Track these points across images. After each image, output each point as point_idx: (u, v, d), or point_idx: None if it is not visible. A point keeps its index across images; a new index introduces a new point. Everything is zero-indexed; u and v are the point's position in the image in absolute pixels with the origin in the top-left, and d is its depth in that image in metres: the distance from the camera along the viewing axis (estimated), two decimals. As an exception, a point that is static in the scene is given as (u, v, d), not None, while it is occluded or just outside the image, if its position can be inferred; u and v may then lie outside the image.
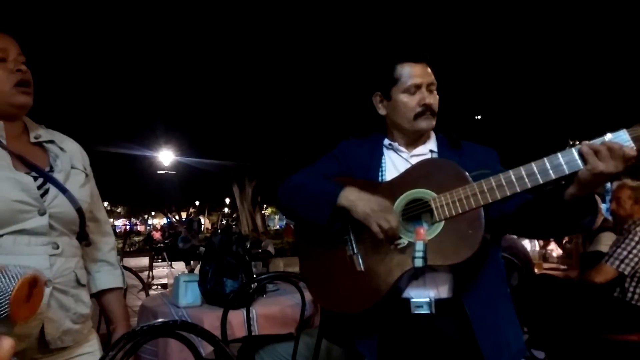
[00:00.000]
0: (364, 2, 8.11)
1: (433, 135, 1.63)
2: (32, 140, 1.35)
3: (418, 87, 1.52)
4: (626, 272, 2.92)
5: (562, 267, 4.41)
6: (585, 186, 1.23)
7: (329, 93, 10.27)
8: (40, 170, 1.29)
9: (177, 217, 29.23)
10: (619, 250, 2.96)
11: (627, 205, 3.11)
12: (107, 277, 1.50)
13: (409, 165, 1.52)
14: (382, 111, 1.62)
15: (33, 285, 1.05)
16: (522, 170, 1.28)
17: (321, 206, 1.41)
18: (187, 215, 27.68)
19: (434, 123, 1.54)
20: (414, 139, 1.59)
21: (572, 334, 3.08)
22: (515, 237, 3.50)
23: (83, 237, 1.39)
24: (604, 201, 4.41)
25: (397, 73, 1.54)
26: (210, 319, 2.24)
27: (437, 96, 1.56)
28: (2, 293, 1.00)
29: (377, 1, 8.11)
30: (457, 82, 9.02)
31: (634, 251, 2.92)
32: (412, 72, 1.52)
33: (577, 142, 1.23)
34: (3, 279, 1.01)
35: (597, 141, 1.21)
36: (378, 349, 1.46)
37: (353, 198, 1.38)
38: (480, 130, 12.37)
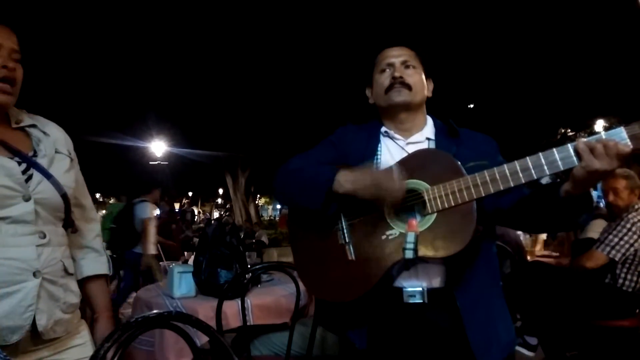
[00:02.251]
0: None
1: (430, 122, 1.63)
2: (14, 125, 1.33)
3: (390, 65, 1.57)
4: (617, 259, 2.95)
5: (554, 254, 4.45)
6: (580, 183, 1.23)
7: (321, 83, 10.23)
8: (24, 155, 1.27)
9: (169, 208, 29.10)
10: (610, 237, 2.99)
11: (625, 195, 3.10)
12: (93, 263, 1.49)
13: (404, 153, 1.52)
14: (371, 100, 1.65)
15: None
16: (517, 164, 1.27)
17: (316, 190, 1.40)
18: (181, 206, 27.59)
19: (407, 96, 1.54)
20: (402, 121, 1.58)
21: (564, 320, 3.11)
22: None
23: (69, 224, 1.38)
24: (594, 189, 4.44)
25: (376, 59, 1.62)
26: (204, 310, 2.25)
27: (418, 74, 1.57)
28: None
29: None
30: (449, 71, 9.01)
31: (625, 237, 2.95)
32: (386, 54, 1.59)
33: (569, 131, 1.23)
34: None
35: (593, 138, 1.20)
36: (368, 336, 1.47)
37: (348, 182, 1.37)
38: (473, 119, 12.38)
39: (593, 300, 3.01)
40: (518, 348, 3.58)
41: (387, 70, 1.57)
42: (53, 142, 1.36)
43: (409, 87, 1.53)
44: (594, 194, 4.10)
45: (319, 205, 1.39)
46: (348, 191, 1.37)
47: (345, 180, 1.37)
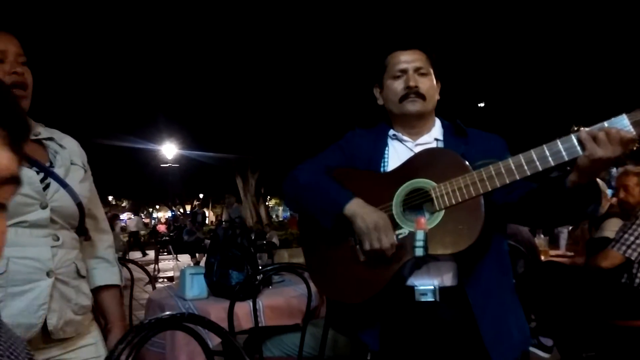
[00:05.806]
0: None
1: (438, 123, 1.62)
2: (32, 137, 1.35)
3: (404, 71, 1.54)
4: (633, 258, 2.90)
5: (568, 254, 4.39)
6: (585, 172, 1.22)
7: (331, 85, 10.23)
8: (41, 165, 1.30)
9: (181, 210, 29.32)
10: (625, 235, 2.94)
11: (636, 192, 3.06)
12: (104, 273, 1.50)
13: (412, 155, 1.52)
14: (379, 101, 1.65)
15: None
16: (522, 157, 1.28)
17: (327, 213, 1.44)
18: (192, 208, 27.75)
19: (421, 106, 1.53)
20: (413, 126, 1.58)
21: (580, 320, 3.07)
22: (519, 224, 3.48)
23: (82, 232, 1.40)
24: (609, 187, 4.38)
25: (386, 61, 1.59)
26: (216, 311, 2.25)
27: (430, 81, 1.56)
28: None
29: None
30: (460, 70, 8.96)
31: (641, 236, 2.90)
32: (399, 59, 1.56)
33: (581, 129, 1.22)
34: None
35: (596, 127, 1.20)
36: (381, 337, 1.46)
37: (356, 211, 1.39)
38: (483, 118, 12.30)
39: (609, 300, 2.96)
40: (533, 349, 3.53)
41: (401, 77, 1.54)
42: (69, 154, 1.40)
43: (423, 97, 1.53)
44: (609, 192, 4.05)
45: (329, 226, 1.43)
46: (348, 218, 1.40)
47: (353, 210, 1.39)
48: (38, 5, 7.08)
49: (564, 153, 1.23)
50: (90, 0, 7.58)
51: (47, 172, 1.30)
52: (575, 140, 1.21)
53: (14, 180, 0.45)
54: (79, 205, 1.34)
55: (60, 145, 1.40)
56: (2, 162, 0.43)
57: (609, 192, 4.04)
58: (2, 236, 0.43)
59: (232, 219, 10.54)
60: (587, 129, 1.20)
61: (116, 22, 8.25)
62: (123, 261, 2.85)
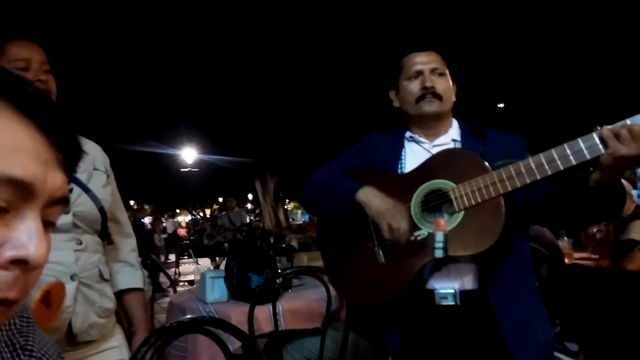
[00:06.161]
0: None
1: (455, 124, 1.61)
2: None
3: (420, 72, 1.54)
4: (660, 260, 2.83)
5: (593, 256, 4.30)
6: (608, 171, 1.20)
7: (349, 88, 10.23)
8: None
9: (201, 214, 29.56)
10: (652, 237, 2.88)
11: None
12: (128, 277, 1.51)
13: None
14: (395, 103, 1.64)
15: (52, 293, 1.10)
16: (542, 157, 1.25)
17: (341, 202, 1.44)
18: (211, 212, 27.95)
19: (438, 106, 1.52)
20: (430, 127, 1.57)
21: (607, 325, 3.01)
22: (542, 226, 3.43)
23: (105, 236, 1.42)
24: (634, 187, 4.28)
25: (402, 63, 1.59)
26: (237, 315, 2.26)
27: (446, 81, 1.55)
28: (27, 300, 1.03)
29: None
30: (479, 70, 8.87)
31: (668, 238, 2.83)
32: (414, 60, 1.56)
33: (604, 127, 1.20)
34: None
35: (619, 124, 1.18)
36: (402, 341, 1.45)
37: (369, 196, 1.39)
38: (503, 119, 12.15)
39: (636, 304, 2.89)
40: (558, 355, 3.47)
41: (417, 78, 1.54)
42: (92, 159, 1.42)
43: (440, 98, 1.52)
44: (634, 192, 3.96)
45: (346, 216, 1.43)
46: (361, 204, 1.40)
47: (365, 195, 1.40)
48: (61, 14, 7.23)
49: (585, 151, 1.20)
50: (113, 9, 7.70)
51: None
52: (597, 139, 1.19)
53: (65, 201, 0.49)
54: (101, 210, 1.36)
55: (83, 151, 1.42)
56: (56, 183, 0.46)
57: (634, 192, 3.94)
58: (48, 252, 0.46)
59: (237, 227, 9.68)
60: (609, 126, 1.18)
61: (139, 33, 8.37)
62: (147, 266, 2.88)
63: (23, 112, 0.44)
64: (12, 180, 0.42)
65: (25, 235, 0.43)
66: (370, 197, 1.39)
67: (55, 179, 0.46)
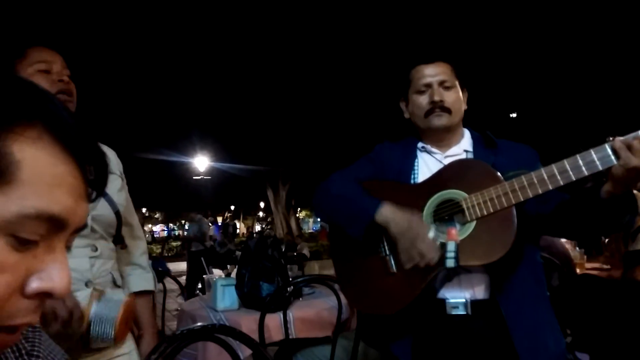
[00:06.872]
0: (392, 6, 8.06)
1: (467, 135, 1.61)
2: None
3: (428, 86, 1.53)
4: (674, 272, 2.80)
5: (605, 267, 4.25)
6: (620, 183, 1.20)
7: (361, 97, 10.25)
8: None
9: (213, 222, 29.64)
10: (666, 248, 2.84)
11: None
12: (139, 280, 1.54)
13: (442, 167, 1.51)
14: (406, 115, 1.64)
15: (128, 310, 1.15)
16: (555, 167, 1.26)
17: (357, 221, 1.44)
18: (223, 220, 28.03)
19: (447, 120, 1.52)
20: (441, 139, 1.57)
21: (618, 336, 2.97)
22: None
23: (119, 240, 1.44)
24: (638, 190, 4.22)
25: (410, 75, 1.58)
26: (247, 323, 2.26)
27: (455, 93, 1.55)
28: (107, 320, 1.11)
29: (406, 3, 8.05)
30: (491, 80, 8.85)
31: (683, 249, 2.80)
32: (422, 73, 1.55)
33: (616, 138, 1.20)
34: (108, 307, 1.12)
35: (631, 136, 1.18)
36: (412, 350, 1.45)
37: (388, 217, 1.39)
38: (516, 129, 12.08)
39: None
40: (570, 365, 3.42)
41: (425, 91, 1.54)
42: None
43: (449, 111, 1.52)
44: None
45: (360, 236, 1.43)
46: (383, 225, 1.39)
47: (385, 216, 1.39)
48: (80, 25, 7.35)
49: (597, 162, 1.21)
50: (127, 21, 7.82)
51: None
52: (609, 150, 1.19)
53: (84, 228, 0.50)
54: (117, 213, 1.39)
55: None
56: (84, 214, 0.47)
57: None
58: (70, 282, 0.47)
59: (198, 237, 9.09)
60: (621, 137, 1.18)
61: (149, 38, 8.48)
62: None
63: (60, 142, 0.43)
64: (51, 217, 0.42)
65: (53, 268, 0.44)
66: (391, 219, 1.38)
67: (83, 211, 0.47)
